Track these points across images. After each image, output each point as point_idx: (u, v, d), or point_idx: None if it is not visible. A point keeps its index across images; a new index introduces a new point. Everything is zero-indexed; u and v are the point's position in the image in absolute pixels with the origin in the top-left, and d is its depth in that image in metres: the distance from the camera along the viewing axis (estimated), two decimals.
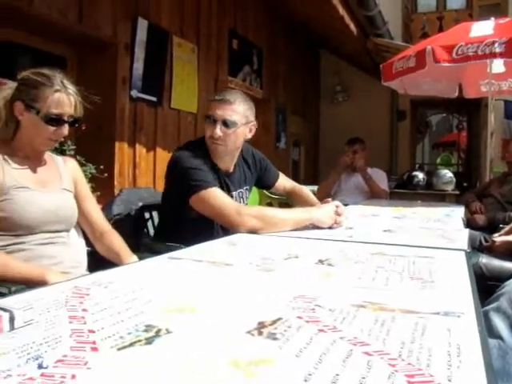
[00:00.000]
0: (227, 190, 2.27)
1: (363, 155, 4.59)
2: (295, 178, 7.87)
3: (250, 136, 2.32)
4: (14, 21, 3.38)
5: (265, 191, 4.75)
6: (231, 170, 2.34)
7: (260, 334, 0.73)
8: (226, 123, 2.15)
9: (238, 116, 2.18)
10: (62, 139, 1.81)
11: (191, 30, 4.99)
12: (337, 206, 2.08)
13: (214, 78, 5.46)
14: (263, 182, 2.64)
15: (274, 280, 1.11)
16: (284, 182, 2.71)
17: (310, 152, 8.96)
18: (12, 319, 0.71)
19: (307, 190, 2.75)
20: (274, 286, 1.06)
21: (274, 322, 0.78)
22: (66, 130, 1.71)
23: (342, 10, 5.91)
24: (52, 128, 1.68)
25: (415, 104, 8.95)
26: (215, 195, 2.00)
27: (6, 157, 1.68)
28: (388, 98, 8.53)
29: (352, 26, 6.34)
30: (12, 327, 0.71)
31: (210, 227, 2.09)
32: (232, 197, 2.26)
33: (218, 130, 2.15)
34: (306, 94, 8.52)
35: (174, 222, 2.23)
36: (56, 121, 1.67)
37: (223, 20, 5.61)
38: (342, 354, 0.65)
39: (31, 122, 1.68)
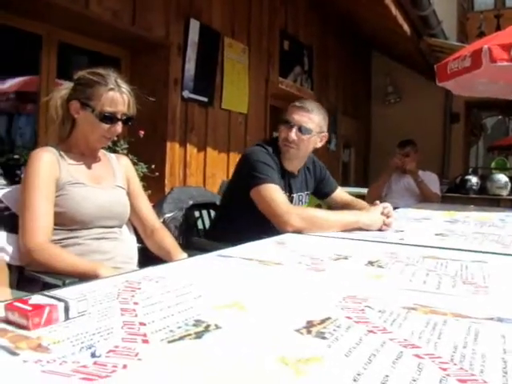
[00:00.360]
0: (289, 191, 2.36)
1: (415, 158, 4.50)
2: (345, 179, 7.82)
3: (319, 145, 2.41)
4: (71, 23, 3.48)
5: None
6: (296, 173, 2.42)
7: (309, 332, 0.72)
8: (301, 129, 2.25)
9: (313, 125, 2.28)
10: (116, 138, 1.85)
11: (242, 30, 5.02)
12: (384, 208, 2.07)
13: (265, 78, 5.47)
14: (320, 190, 2.67)
15: (323, 280, 1.10)
16: (342, 194, 2.71)
17: (361, 154, 8.86)
18: (67, 309, 0.73)
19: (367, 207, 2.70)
20: (323, 285, 1.05)
21: (323, 321, 0.78)
22: (119, 127, 1.75)
23: (394, 10, 5.82)
24: (106, 126, 1.72)
25: (470, 106, 8.72)
26: (272, 191, 2.06)
27: (62, 153, 1.74)
28: (441, 99, 8.35)
29: (405, 26, 6.24)
30: (67, 317, 0.73)
31: (265, 227, 2.10)
32: (292, 199, 2.35)
33: (293, 134, 2.25)
34: (356, 95, 8.44)
35: (231, 219, 2.29)
36: (110, 119, 1.71)
37: (274, 20, 5.61)
38: (392, 356, 0.64)
39: (86, 120, 1.73)
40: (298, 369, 0.59)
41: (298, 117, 2.25)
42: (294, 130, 2.24)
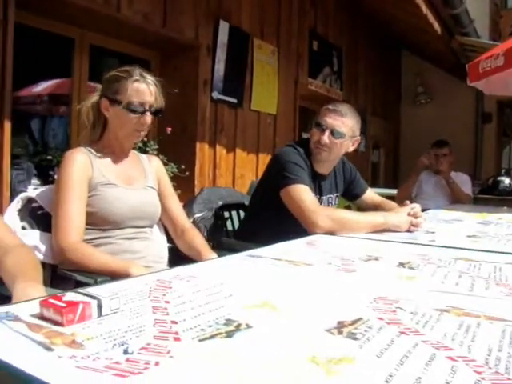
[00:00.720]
0: (319, 193, 2.35)
1: (451, 159, 4.44)
2: (374, 180, 7.75)
3: (351, 150, 2.39)
4: (103, 26, 3.54)
5: None
6: (325, 175, 2.41)
7: (340, 333, 0.72)
8: (333, 132, 2.23)
9: (346, 129, 2.25)
10: (145, 139, 1.86)
11: (271, 31, 5.02)
12: (412, 208, 2.06)
13: (294, 79, 5.46)
14: (350, 192, 2.64)
15: (354, 281, 1.10)
16: (372, 195, 2.68)
17: (390, 155, 8.78)
18: (100, 306, 0.74)
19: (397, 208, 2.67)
20: (354, 286, 1.05)
21: (355, 321, 0.77)
22: (148, 118, 1.74)
23: (425, 9, 5.75)
24: (134, 117, 1.73)
25: (502, 105, 8.55)
26: (301, 192, 2.06)
27: (94, 154, 1.76)
28: (473, 99, 8.20)
29: (436, 25, 6.15)
30: (100, 314, 0.74)
31: (294, 227, 2.10)
32: (322, 201, 2.34)
33: (326, 138, 2.23)
34: (386, 95, 8.36)
35: (260, 219, 2.30)
36: (138, 109, 1.72)
37: (303, 21, 5.60)
38: (425, 358, 0.63)
39: (116, 114, 1.75)
40: (330, 369, 0.59)
41: (331, 120, 2.23)
42: (327, 133, 2.22)
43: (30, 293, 1.01)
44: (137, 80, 1.72)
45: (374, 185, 7.43)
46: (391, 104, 8.69)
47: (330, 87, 6.25)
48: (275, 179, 2.17)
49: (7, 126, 2.70)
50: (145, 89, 1.73)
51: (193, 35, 4.03)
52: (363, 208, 2.62)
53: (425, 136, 5.82)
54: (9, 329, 0.68)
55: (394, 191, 5.04)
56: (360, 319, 0.78)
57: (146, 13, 3.56)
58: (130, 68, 1.75)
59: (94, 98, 1.82)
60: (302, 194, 2.05)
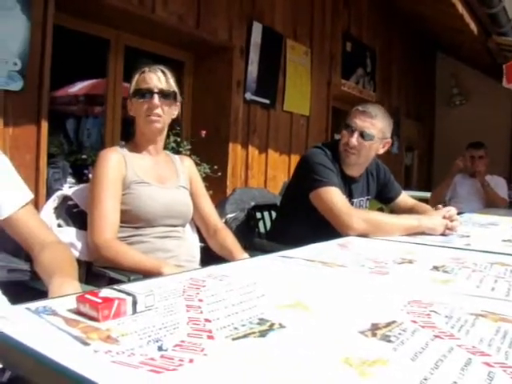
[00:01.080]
0: (350, 196, 2.31)
1: (486, 161, 4.36)
2: (407, 183, 7.66)
3: (382, 152, 2.35)
4: (138, 28, 3.58)
5: None
6: (356, 178, 2.37)
7: (374, 335, 0.72)
8: (363, 134, 2.19)
9: (376, 130, 2.21)
10: (178, 139, 1.88)
11: (305, 32, 5.01)
12: (447, 212, 2.03)
13: (327, 80, 5.44)
14: (384, 195, 2.61)
15: (387, 283, 1.09)
16: (405, 198, 2.64)
17: (424, 157, 8.66)
18: (135, 303, 0.75)
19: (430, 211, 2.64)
20: (387, 289, 1.04)
21: (388, 324, 0.77)
22: (155, 100, 1.75)
23: (461, 9, 5.65)
24: (143, 101, 1.76)
25: None
26: (333, 194, 2.04)
27: (128, 154, 1.80)
28: (509, 100, 8.03)
29: (472, 25, 6.04)
30: (134, 311, 0.75)
31: (325, 229, 2.09)
32: (353, 204, 2.30)
33: (354, 140, 2.19)
34: (420, 96, 8.25)
35: (290, 220, 2.28)
36: (144, 94, 1.75)
37: (337, 22, 5.57)
38: (460, 362, 0.63)
39: (132, 107, 1.82)
40: (363, 371, 0.59)
41: (361, 122, 2.19)
42: (356, 135, 2.19)
43: (66, 289, 1.03)
44: (143, 71, 1.78)
45: (407, 187, 7.33)
46: (425, 105, 8.57)
47: (363, 88, 6.20)
48: (304, 182, 2.15)
49: (44, 125, 2.75)
50: (151, 75, 1.78)
51: (226, 36, 4.04)
52: (396, 211, 2.58)
53: (460, 138, 5.73)
54: (47, 322, 0.69)
55: (427, 194, 4.97)
56: (394, 322, 0.78)
57: (180, 14, 3.59)
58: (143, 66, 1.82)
59: None
60: (334, 196, 2.04)
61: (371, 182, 2.50)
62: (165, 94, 1.78)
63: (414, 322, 0.79)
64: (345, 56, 5.76)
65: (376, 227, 1.90)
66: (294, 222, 2.24)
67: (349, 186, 2.32)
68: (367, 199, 2.49)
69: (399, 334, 0.72)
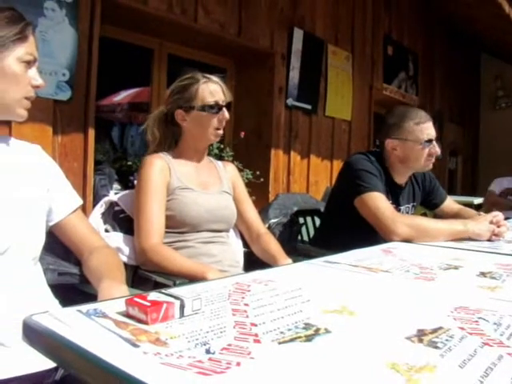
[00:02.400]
0: (396, 203, 2.29)
1: None
2: (451, 188, 7.52)
3: None
4: (180, 36, 3.63)
5: None
6: (403, 184, 2.35)
7: (420, 341, 0.71)
8: (437, 139, 2.20)
9: None
10: (221, 146, 1.90)
11: (346, 37, 4.99)
12: (494, 217, 1.98)
13: (369, 85, 5.40)
14: (430, 202, 2.57)
15: (433, 289, 1.07)
16: (451, 204, 2.59)
17: (468, 161, 8.47)
18: (182, 307, 0.76)
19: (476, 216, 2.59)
20: (433, 295, 1.02)
21: (435, 330, 0.75)
22: (226, 114, 1.81)
23: (508, 8, 5.52)
24: (214, 116, 1.79)
25: None
26: (376, 200, 2.02)
27: (172, 160, 1.82)
28: None
29: None
30: (182, 314, 0.76)
31: (369, 235, 2.08)
32: (399, 211, 2.27)
33: (438, 149, 2.19)
34: (464, 99, 8.07)
35: (334, 226, 2.28)
36: (215, 107, 1.79)
37: (378, 26, 5.53)
38: (511, 371, 0.61)
39: (195, 120, 1.81)
40: (411, 377, 0.58)
41: (432, 131, 2.19)
42: (437, 144, 2.19)
43: (115, 292, 1.06)
44: (204, 82, 1.80)
45: (450, 192, 7.20)
46: (469, 109, 8.38)
47: (405, 92, 6.12)
48: (348, 188, 2.14)
49: (91, 133, 2.82)
50: (215, 87, 1.80)
51: (267, 43, 4.06)
52: (441, 216, 2.54)
53: (505, 142, 5.58)
54: (97, 324, 0.71)
55: (472, 199, 4.89)
56: (440, 328, 0.76)
57: (221, 22, 3.63)
58: (191, 74, 1.83)
59: (155, 114, 1.91)
60: (378, 201, 2.02)
61: (416, 188, 2.47)
62: (228, 106, 1.83)
63: (462, 328, 0.77)
64: (386, 60, 5.71)
65: (421, 232, 1.87)
66: (339, 228, 2.23)
67: (396, 193, 2.30)
68: (413, 206, 2.46)
69: (446, 340, 0.71)
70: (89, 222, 1.50)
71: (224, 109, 1.80)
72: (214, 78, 1.83)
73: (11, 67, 1.10)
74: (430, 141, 2.17)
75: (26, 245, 1.16)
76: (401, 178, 2.31)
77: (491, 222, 1.96)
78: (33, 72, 1.16)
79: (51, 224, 1.30)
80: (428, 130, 2.17)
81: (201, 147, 1.88)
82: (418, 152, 2.18)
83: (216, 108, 1.79)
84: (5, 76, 1.10)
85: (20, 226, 1.14)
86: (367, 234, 2.01)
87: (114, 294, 1.01)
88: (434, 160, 2.21)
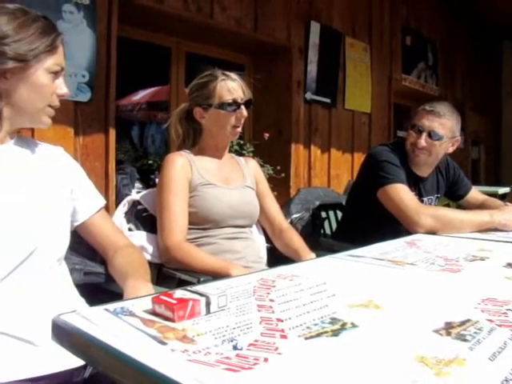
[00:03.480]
0: (419, 194, 2.27)
1: None
2: (474, 178, 7.42)
3: (451, 150, 2.29)
4: (197, 34, 3.64)
5: None
6: (425, 176, 2.33)
7: (448, 334, 0.70)
8: (431, 134, 2.14)
9: (445, 130, 2.15)
10: (242, 142, 1.91)
11: (363, 29, 4.95)
12: None
13: (388, 76, 5.35)
14: (454, 192, 2.55)
15: (459, 281, 1.06)
16: (476, 194, 2.56)
17: (491, 151, 8.35)
18: (208, 304, 0.76)
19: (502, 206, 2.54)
20: (459, 287, 1.01)
21: (463, 323, 0.75)
22: (244, 111, 1.80)
23: None
24: (232, 113, 1.79)
25: None
26: (400, 191, 2.01)
27: (193, 158, 1.83)
28: None
29: None
30: (208, 311, 0.76)
31: (393, 227, 2.07)
32: (422, 202, 2.25)
33: (423, 141, 2.15)
34: (486, 88, 7.93)
35: (357, 219, 2.27)
36: (233, 105, 1.78)
37: (395, 16, 5.46)
38: None
39: (213, 117, 1.81)
40: (440, 370, 0.58)
41: (429, 122, 2.13)
42: (424, 135, 2.14)
43: (140, 290, 1.06)
44: (223, 79, 1.79)
45: (474, 182, 7.10)
46: (492, 98, 8.24)
47: (425, 83, 6.05)
48: (371, 180, 2.13)
49: (112, 133, 2.85)
50: (233, 85, 1.80)
51: (284, 37, 4.05)
52: (466, 207, 2.51)
53: None
54: (124, 322, 0.72)
55: (496, 189, 4.82)
56: (469, 320, 0.76)
57: (238, 18, 3.63)
58: (210, 71, 1.83)
59: (177, 111, 1.91)
60: (401, 193, 2.00)
61: (440, 179, 2.44)
62: (247, 103, 1.82)
63: (490, 320, 0.76)
64: (405, 50, 5.64)
65: (445, 224, 1.85)
66: (362, 220, 2.22)
67: (418, 184, 2.28)
68: (437, 197, 2.44)
69: (475, 332, 0.71)
70: (113, 221, 1.51)
71: (242, 106, 1.79)
72: (233, 75, 1.82)
73: (39, 78, 1.12)
74: (413, 127, 2.18)
75: (52, 246, 1.18)
76: (421, 170, 2.28)
77: None
78: (59, 81, 1.18)
79: (76, 224, 1.32)
80: (424, 119, 2.15)
81: (220, 145, 1.88)
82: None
83: (234, 106, 1.78)
84: (32, 86, 1.12)
85: (46, 227, 1.15)
86: (391, 226, 2.00)
87: (140, 293, 1.01)
88: (419, 150, 2.17)
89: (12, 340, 1.06)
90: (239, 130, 1.84)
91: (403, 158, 2.20)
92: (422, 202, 2.25)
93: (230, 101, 1.78)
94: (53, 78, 1.15)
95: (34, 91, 1.12)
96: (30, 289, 1.12)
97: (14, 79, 1.09)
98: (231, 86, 1.79)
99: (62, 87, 1.18)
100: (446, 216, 1.88)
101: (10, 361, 1.04)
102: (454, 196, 2.56)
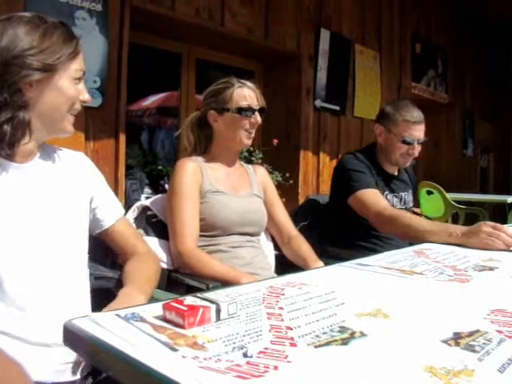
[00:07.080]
0: (392, 191, 2.39)
1: None
2: (484, 186, 7.39)
3: None
4: (208, 41, 3.67)
5: (451, 200, 4.55)
6: (396, 173, 2.46)
7: (457, 344, 0.70)
8: (419, 142, 2.29)
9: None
10: (251, 148, 1.93)
11: (373, 36, 4.96)
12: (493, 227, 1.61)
13: (397, 84, 5.35)
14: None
15: (468, 291, 1.06)
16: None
17: (501, 159, 8.31)
18: (218, 311, 0.77)
19: None
20: (468, 297, 1.01)
21: (472, 333, 0.74)
22: (258, 118, 1.86)
23: None
24: (246, 119, 1.83)
25: None
26: (366, 196, 2.12)
27: (203, 164, 1.84)
28: None
29: None
30: (218, 318, 0.77)
31: (369, 231, 2.21)
32: (401, 198, 2.40)
33: (417, 151, 2.30)
34: (495, 96, 7.90)
35: (339, 225, 2.38)
36: (248, 111, 1.83)
37: (405, 24, 5.47)
38: None
39: (226, 121, 1.84)
40: (449, 381, 0.58)
41: (418, 132, 2.26)
42: (416, 146, 2.27)
43: (129, 301, 1.06)
44: (239, 86, 1.84)
45: (483, 191, 7.08)
46: (502, 106, 8.21)
47: (434, 90, 6.04)
48: (340, 190, 2.26)
49: (122, 138, 2.86)
50: (249, 93, 1.85)
51: (294, 45, 4.06)
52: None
53: None
54: (135, 328, 0.72)
55: (505, 197, 4.80)
56: (477, 331, 0.76)
57: (248, 25, 3.65)
58: (227, 78, 1.87)
59: (190, 118, 1.95)
60: (368, 198, 2.11)
61: (406, 177, 2.56)
62: (261, 111, 1.87)
63: (500, 331, 0.76)
64: (415, 58, 5.65)
65: (401, 230, 1.90)
66: (342, 227, 2.35)
67: (392, 182, 2.40)
68: (412, 193, 2.56)
69: (484, 343, 0.70)
70: (134, 227, 1.54)
71: (257, 113, 1.84)
72: (249, 83, 1.87)
73: (64, 85, 1.13)
74: (408, 143, 2.26)
75: (72, 254, 1.19)
76: (392, 169, 2.41)
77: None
78: (81, 86, 1.19)
79: (99, 231, 1.33)
80: (413, 131, 2.24)
81: (232, 150, 1.91)
82: (395, 146, 2.28)
83: (249, 112, 1.82)
84: (58, 93, 1.13)
85: (66, 235, 1.17)
86: (367, 229, 2.18)
87: (125, 303, 1.01)
88: (410, 160, 2.33)
89: (27, 345, 1.06)
90: (252, 135, 1.88)
91: (373, 160, 2.33)
92: (400, 197, 2.40)
93: (246, 106, 1.82)
94: (76, 84, 1.16)
95: (59, 98, 1.13)
96: (51, 296, 1.13)
97: (40, 88, 1.10)
98: (247, 93, 1.84)
99: (84, 93, 1.19)
100: (402, 222, 1.87)
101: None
102: None
